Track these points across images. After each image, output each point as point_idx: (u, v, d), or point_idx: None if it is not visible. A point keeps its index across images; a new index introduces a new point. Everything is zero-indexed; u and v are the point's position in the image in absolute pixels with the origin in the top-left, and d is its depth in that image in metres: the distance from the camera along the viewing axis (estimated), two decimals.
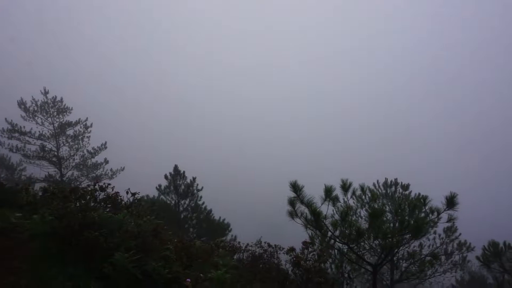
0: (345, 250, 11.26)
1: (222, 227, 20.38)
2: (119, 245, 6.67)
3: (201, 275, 7.66)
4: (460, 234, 17.31)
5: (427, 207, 10.17)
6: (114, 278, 6.32)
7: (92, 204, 7.89)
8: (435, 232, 16.93)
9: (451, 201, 9.51)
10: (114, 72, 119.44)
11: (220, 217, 20.75)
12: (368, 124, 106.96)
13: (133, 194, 8.48)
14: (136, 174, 40.56)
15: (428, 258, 15.29)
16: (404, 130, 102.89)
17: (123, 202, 8.37)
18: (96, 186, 8.15)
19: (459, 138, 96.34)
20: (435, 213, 9.98)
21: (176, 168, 20.70)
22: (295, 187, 9.09)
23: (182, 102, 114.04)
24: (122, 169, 28.02)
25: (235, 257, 12.60)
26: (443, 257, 17.21)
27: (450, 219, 9.82)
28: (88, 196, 7.85)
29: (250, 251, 12.27)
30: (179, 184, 20.32)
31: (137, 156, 66.25)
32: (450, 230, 17.36)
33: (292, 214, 9.40)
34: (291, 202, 9.26)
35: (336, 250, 12.49)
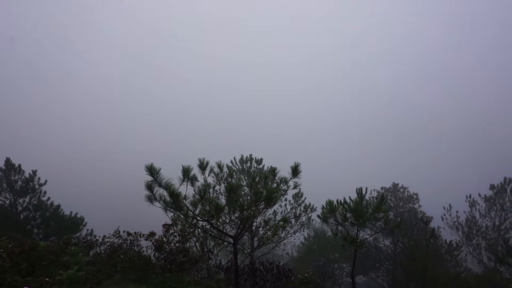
0: (207, 226, 11.60)
1: (75, 223, 18.40)
2: None
3: (47, 279, 6.81)
4: (305, 198, 19.90)
5: (277, 178, 11.26)
6: None
7: None
8: (286, 199, 19.07)
9: (295, 170, 10.76)
10: None
11: (71, 212, 18.65)
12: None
13: None
14: None
15: (281, 222, 17.11)
16: None
17: None
18: None
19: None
20: (285, 182, 11.16)
21: (8, 161, 17.48)
22: (152, 170, 8.78)
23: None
24: None
25: (91, 252, 11.64)
26: (293, 220, 19.57)
27: (295, 186, 11.14)
28: None
29: (108, 243, 11.50)
30: (14, 180, 17.28)
31: None
32: (298, 196, 19.79)
33: (151, 198, 9.10)
34: (149, 186, 8.94)
35: (199, 229, 12.76)
